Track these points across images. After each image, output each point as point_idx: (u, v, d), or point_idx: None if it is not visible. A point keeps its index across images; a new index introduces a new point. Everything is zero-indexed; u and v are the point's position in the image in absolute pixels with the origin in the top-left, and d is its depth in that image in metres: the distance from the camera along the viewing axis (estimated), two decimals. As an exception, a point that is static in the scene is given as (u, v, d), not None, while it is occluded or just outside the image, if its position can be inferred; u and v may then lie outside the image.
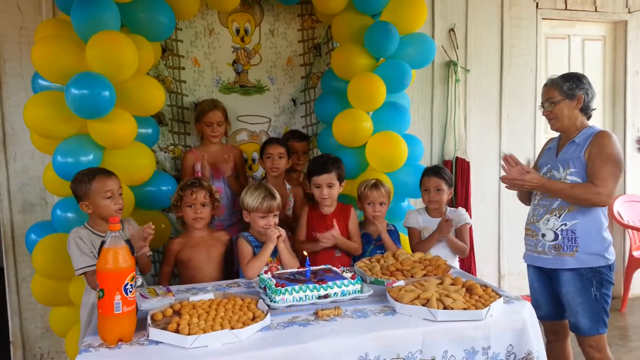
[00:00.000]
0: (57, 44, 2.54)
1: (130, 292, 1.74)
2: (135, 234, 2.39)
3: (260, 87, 3.54)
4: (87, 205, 2.38)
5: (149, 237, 2.37)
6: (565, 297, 2.54)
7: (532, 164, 2.75)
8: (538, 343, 1.96)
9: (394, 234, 2.96)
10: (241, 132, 3.54)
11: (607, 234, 2.53)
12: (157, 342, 1.72)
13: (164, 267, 2.70)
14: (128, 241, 1.88)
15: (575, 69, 4.45)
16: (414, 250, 2.94)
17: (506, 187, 2.66)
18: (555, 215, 2.53)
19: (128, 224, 2.55)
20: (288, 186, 3.18)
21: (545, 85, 2.66)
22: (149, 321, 1.81)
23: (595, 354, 2.51)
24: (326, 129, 3.39)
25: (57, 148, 2.56)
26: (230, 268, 2.76)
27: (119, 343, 1.72)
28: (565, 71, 2.75)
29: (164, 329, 1.74)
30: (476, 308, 1.90)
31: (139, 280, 2.44)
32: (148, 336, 1.75)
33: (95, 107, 2.45)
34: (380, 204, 2.89)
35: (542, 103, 2.66)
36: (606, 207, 2.53)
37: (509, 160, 2.56)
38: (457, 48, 4.07)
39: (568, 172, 2.52)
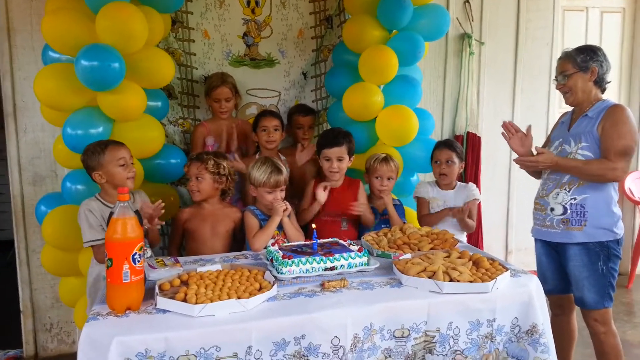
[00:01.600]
0: (67, 16, 2.53)
1: (139, 261, 1.76)
2: (144, 208, 2.42)
3: (271, 60, 3.51)
4: (101, 175, 2.41)
5: (157, 213, 2.41)
6: (572, 271, 2.53)
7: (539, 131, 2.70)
8: (544, 316, 1.96)
9: (399, 208, 2.96)
10: (251, 105, 3.52)
11: (616, 209, 2.51)
12: (164, 311, 1.75)
13: (173, 237, 2.73)
14: (137, 212, 1.90)
15: (593, 42, 4.29)
16: (420, 220, 2.94)
17: (520, 167, 2.64)
18: (565, 189, 2.51)
19: (139, 196, 2.58)
20: (282, 157, 3.16)
21: (560, 58, 2.62)
22: (157, 290, 1.83)
23: (600, 328, 2.52)
24: (336, 103, 3.36)
25: (67, 120, 2.57)
26: (241, 245, 2.78)
27: (127, 312, 1.75)
28: (582, 44, 2.69)
29: (172, 298, 1.77)
30: (482, 281, 1.90)
31: (148, 252, 2.47)
32: (156, 305, 1.78)
33: (105, 79, 2.44)
34: (388, 178, 2.89)
35: (556, 77, 2.62)
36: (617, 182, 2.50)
37: (508, 127, 2.55)
38: (472, 20, 3.99)
39: (580, 146, 2.48)
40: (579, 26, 4.42)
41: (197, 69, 3.37)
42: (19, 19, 3.15)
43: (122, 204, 1.76)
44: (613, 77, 4.40)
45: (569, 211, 2.50)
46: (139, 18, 2.50)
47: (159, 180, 2.95)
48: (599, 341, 2.53)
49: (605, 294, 2.49)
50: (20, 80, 3.18)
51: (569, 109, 2.69)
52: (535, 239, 2.73)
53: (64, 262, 2.82)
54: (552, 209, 2.55)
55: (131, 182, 2.46)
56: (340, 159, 2.82)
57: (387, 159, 2.91)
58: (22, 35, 3.16)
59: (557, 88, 2.64)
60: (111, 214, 1.79)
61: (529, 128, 2.57)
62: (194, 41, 3.34)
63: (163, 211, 2.45)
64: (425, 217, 2.95)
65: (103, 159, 2.38)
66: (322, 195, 2.77)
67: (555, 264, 2.65)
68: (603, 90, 2.57)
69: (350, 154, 2.86)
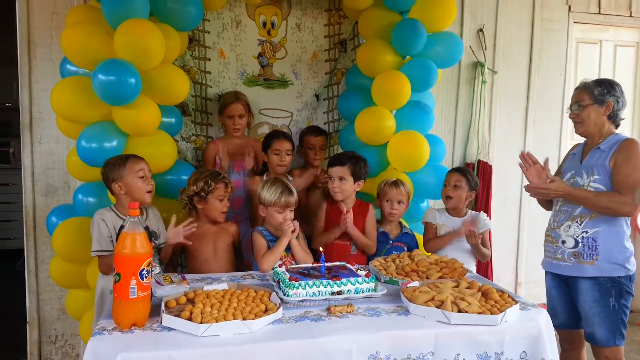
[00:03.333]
0: (86, 30, 2.57)
1: (146, 277, 1.75)
2: (173, 231, 2.47)
3: (284, 81, 3.54)
4: (120, 186, 2.43)
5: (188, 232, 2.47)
6: (583, 306, 2.50)
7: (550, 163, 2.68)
8: (553, 351, 1.93)
9: (412, 238, 2.96)
10: (263, 125, 3.55)
11: (628, 244, 2.48)
12: (169, 329, 1.74)
13: (171, 257, 2.67)
14: (147, 227, 1.90)
15: (606, 75, 4.35)
16: (426, 245, 2.92)
17: (530, 195, 2.61)
18: (577, 222, 2.49)
19: (151, 212, 2.59)
20: (290, 178, 3.16)
21: (577, 88, 2.62)
22: (163, 308, 1.83)
23: None
24: (348, 126, 3.38)
25: (82, 133, 2.60)
26: (239, 259, 2.78)
27: (132, 328, 1.74)
28: (596, 77, 2.69)
29: (177, 316, 1.76)
30: (491, 313, 1.88)
31: (157, 268, 2.47)
32: (161, 322, 1.77)
33: (121, 93, 2.47)
34: (399, 202, 2.88)
35: (570, 105, 2.62)
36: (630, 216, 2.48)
37: (526, 158, 2.53)
38: (485, 49, 4.01)
39: (592, 179, 2.47)
40: (592, 59, 4.42)
41: (211, 87, 3.41)
42: (40, 32, 3.21)
43: (132, 219, 1.77)
44: (626, 110, 4.41)
45: (580, 244, 2.47)
46: (157, 35, 2.54)
47: (170, 196, 2.96)
48: None
49: (616, 331, 2.44)
50: (37, 92, 3.22)
51: (582, 139, 2.69)
52: (546, 272, 2.70)
53: (72, 274, 2.83)
54: (563, 242, 2.53)
55: (149, 197, 2.49)
56: (341, 179, 2.79)
57: (397, 183, 2.91)
58: (41, 48, 3.21)
59: (570, 117, 2.64)
60: (121, 228, 1.79)
61: (546, 161, 2.53)
62: (209, 60, 3.39)
63: (195, 229, 2.49)
64: (430, 241, 2.93)
65: (124, 170, 2.42)
66: (348, 223, 2.74)
67: (566, 297, 2.61)
68: (617, 126, 2.56)
69: (355, 176, 2.81)
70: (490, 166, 4.03)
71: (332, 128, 3.62)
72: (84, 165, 2.65)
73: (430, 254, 2.71)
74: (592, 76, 4.30)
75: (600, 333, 2.45)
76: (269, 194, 2.59)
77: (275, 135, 3.19)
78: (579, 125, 2.57)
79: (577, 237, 2.48)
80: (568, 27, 4.21)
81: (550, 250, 2.61)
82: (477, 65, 4.01)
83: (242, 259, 2.81)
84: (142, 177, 2.45)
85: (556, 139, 4.27)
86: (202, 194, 2.63)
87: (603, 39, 4.43)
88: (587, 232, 2.46)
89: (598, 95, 2.50)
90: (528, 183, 2.56)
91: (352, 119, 3.22)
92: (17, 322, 3.47)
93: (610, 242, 2.44)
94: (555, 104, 4.23)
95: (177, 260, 2.75)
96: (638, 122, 4.56)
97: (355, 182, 2.84)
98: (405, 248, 2.95)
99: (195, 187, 2.65)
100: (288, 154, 3.12)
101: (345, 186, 2.81)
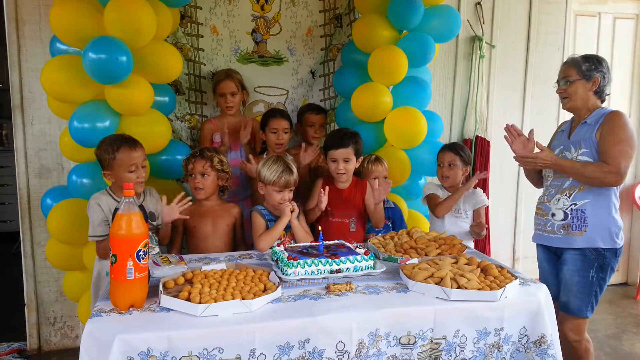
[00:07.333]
0: (75, 7, 2.51)
1: (143, 258, 1.74)
2: (167, 209, 2.45)
3: (279, 57, 3.48)
4: (110, 175, 2.40)
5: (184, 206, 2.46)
6: (564, 275, 2.54)
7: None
8: (552, 326, 1.93)
9: (394, 212, 2.97)
10: (258, 103, 3.50)
11: (617, 216, 2.50)
12: (168, 310, 1.73)
13: (175, 235, 2.68)
14: (142, 207, 1.88)
15: (605, 48, 4.31)
16: (437, 209, 2.93)
17: (520, 165, 2.65)
18: (566, 194, 2.52)
19: (149, 192, 2.56)
20: (289, 157, 3.14)
21: (565, 63, 2.64)
22: (161, 288, 1.81)
23: (574, 337, 2.51)
24: (344, 103, 3.34)
25: (74, 113, 2.55)
26: (239, 242, 2.76)
27: (130, 309, 1.73)
28: (594, 50, 2.69)
29: (176, 296, 1.74)
30: (491, 289, 1.87)
31: (155, 249, 2.45)
32: (159, 303, 1.76)
33: (113, 72, 2.43)
34: (384, 177, 2.92)
35: (557, 80, 2.64)
36: (617, 187, 2.50)
37: (511, 131, 2.57)
38: (483, 23, 3.95)
39: (580, 152, 2.50)
40: (591, 32, 4.36)
41: (205, 64, 3.35)
42: (28, 10, 3.13)
43: (127, 200, 1.74)
44: (625, 83, 4.38)
45: (569, 216, 2.51)
46: (148, 11, 2.48)
47: (165, 176, 2.94)
48: (572, 348, 2.52)
49: (589, 303, 2.49)
50: (27, 72, 3.15)
51: (567, 117, 2.68)
52: (537, 245, 2.74)
53: (68, 256, 2.81)
54: (553, 214, 2.56)
55: (140, 187, 2.45)
56: (346, 160, 2.78)
57: (378, 158, 2.96)
58: (30, 26, 3.14)
59: (557, 92, 2.66)
60: (116, 209, 1.77)
61: (531, 132, 2.57)
62: (202, 36, 3.32)
63: (189, 204, 2.49)
64: (441, 203, 2.92)
65: (114, 161, 2.36)
66: (323, 202, 2.71)
67: (557, 270, 2.64)
68: (602, 101, 2.59)
69: (357, 154, 2.82)
70: (488, 142, 4.01)
71: (329, 105, 3.58)
72: (77, 146, 2.61)
73: (428, 230, 2.71)
74: (592, 49, 4.27)
75: (575, 303, 2.50)
76: (269, 172, 2.56)
77: (272, 114, 3.15)
78: (567, 100, 2.60)
79: (567, 209, 2.51)
80: (566, 0, 4.14)
81: (541, 223, 2.64)
82: (475, 39, 3.95)
83: (245, 242, 2.76)
84: (133, 171, 2.39)
85: (554, 113, 4.25)
86: (185, 171, 2.70)
87: (602, 11, 4.37)
88: (575, 204, 2.49)
89: (585, 70, 2.52)
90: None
91: (348, 95, 3.18)
92: (16, 305, 3.47)
93: (599, 214, 2.47)
94: (553, 78, 4.05)
95: (182, 242, 2.72)
96: (637, 94, 4.51)
97: (357, 160, 2.83)
98: (390, 222, 2.96)
99: (184, 169, 2.72)
100: (285, 132, 3.09)
101: (350, 166, 2.80)
